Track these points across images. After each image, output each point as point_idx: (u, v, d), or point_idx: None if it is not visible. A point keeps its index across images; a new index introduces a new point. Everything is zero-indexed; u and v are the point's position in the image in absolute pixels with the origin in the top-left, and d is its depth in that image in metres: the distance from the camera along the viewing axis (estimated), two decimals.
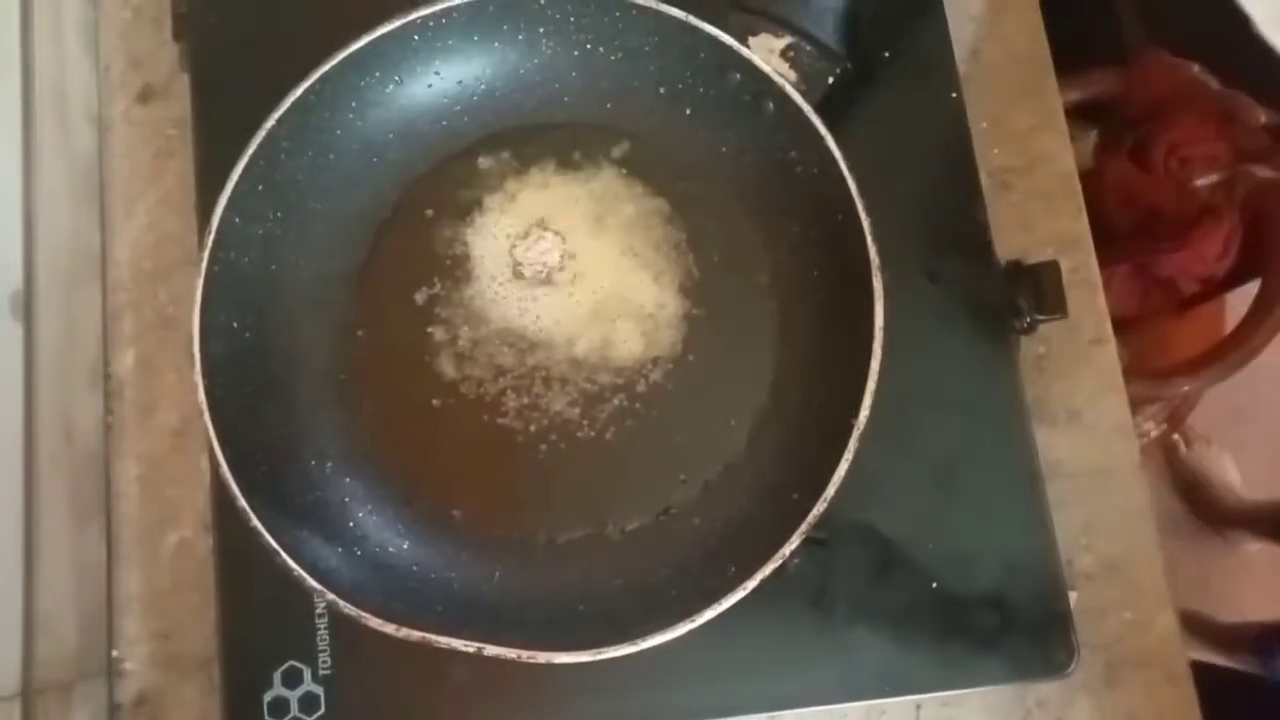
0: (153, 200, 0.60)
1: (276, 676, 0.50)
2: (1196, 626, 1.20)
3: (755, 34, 0.50)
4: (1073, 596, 0.53)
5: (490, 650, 0.43)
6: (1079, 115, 0.63)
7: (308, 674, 0.50)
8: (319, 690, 0.50)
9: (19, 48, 0.54)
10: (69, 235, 0.57)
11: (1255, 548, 1.32)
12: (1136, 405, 0.62)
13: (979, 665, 0.51)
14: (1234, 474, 1.35)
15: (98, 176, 0.60)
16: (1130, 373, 0.59)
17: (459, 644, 0.42)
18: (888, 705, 0.54)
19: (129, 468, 0.57)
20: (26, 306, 0.52)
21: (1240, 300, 0.92)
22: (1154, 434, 0.97)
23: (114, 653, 0.54)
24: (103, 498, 0.56)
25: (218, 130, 0.55)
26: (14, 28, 0.54)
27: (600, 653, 0.43)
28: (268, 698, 0.50)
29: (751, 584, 0.43)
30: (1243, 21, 0.69)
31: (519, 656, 0.43)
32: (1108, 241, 0.61)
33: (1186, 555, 1.33)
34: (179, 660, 0.54)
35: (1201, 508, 1.34)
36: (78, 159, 0.59)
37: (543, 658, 0.43)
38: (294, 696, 0.50)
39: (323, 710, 0.50)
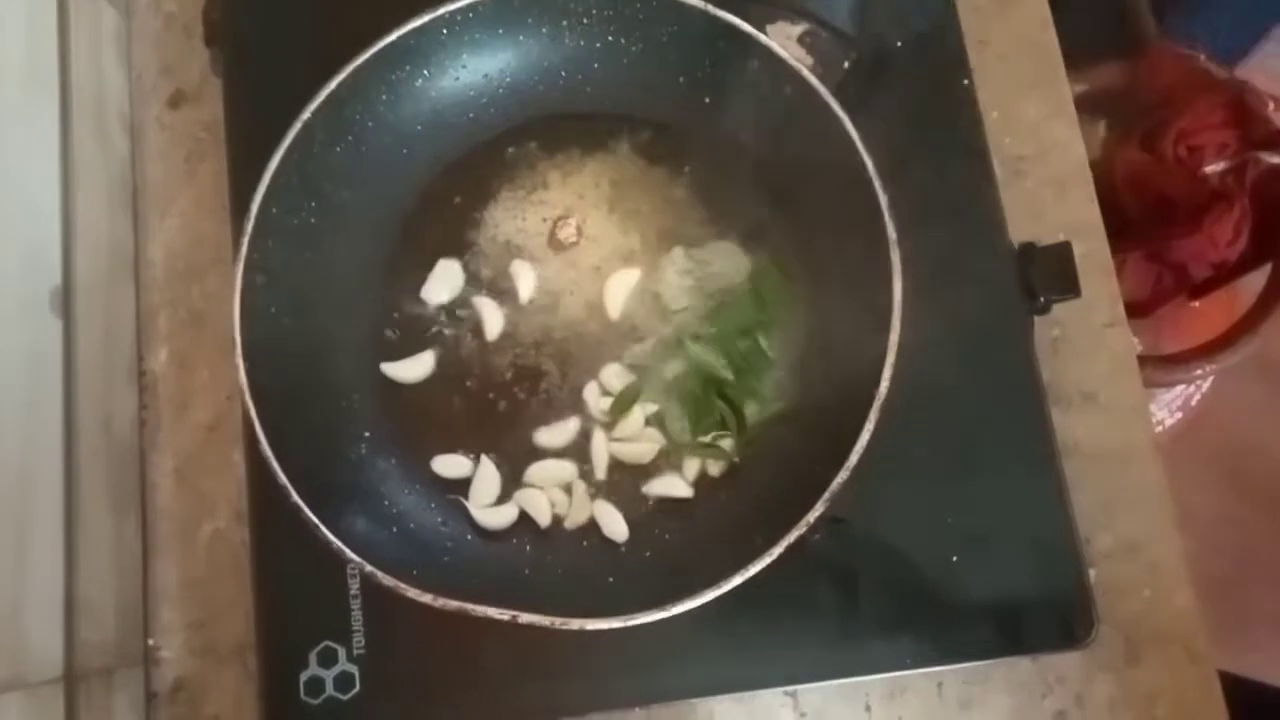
0: (185, 202, 0.61)
1: (312, 657, 0.51)
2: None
3: (772, 22, 0.52)
4: (1091, 574, 0.53)
5: (525, 618, 0.43)
6: (1085, 107, 0.63)
7: (343, 654, 0.51)
8: (354, 669, 0.51)
9: (57, 58, 0.56)
10: (105, 236, 0.58)
11: None
12: (1150, 391, 0.62)
13: (999, 638, 0.52)
14: None
15: (131, 180, 0.62)
16: (1143, 358, 0.59)
17: (494, 612, 0.43)
18: (909, 682, 0.54)
19: (164, 461, 0.58)
20: (65, 303, 0.53)
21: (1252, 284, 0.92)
22: (1169, 422, 0.96)
23: (150, 641, 0.55)
24: (139, 490, 0.57)
25: (250, 130, 0.57)
26: (52, 38, 0.56)
27: (631, 619, 0.43)
28: (304, 677, 0.51)
29: (778, 550, 0.44)
30: None
31: (552, 624, 0.43)
32: (1120, 228, 0.62)
33: None
34: (215, 647, 0.55)
35: None
36: (113, 163, 0.60)
37: (576, 624, 0.43)
38: (329, 676, 0.51)
39: (358, 688, 0.51)
